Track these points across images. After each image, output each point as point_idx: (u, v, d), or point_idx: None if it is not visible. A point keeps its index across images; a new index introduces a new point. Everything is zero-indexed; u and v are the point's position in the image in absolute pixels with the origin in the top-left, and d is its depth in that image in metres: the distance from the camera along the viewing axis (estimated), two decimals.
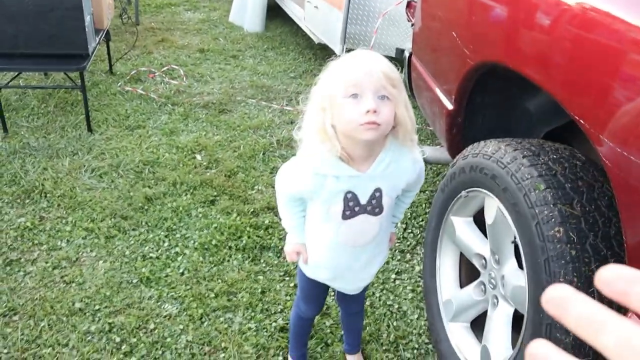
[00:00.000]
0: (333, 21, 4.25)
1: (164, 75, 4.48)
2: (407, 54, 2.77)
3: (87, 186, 2.93)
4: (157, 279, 2.31)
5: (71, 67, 3.40)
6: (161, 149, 3.35)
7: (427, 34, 2.47)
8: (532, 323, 1.42)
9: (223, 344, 2.01)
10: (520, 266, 1.52)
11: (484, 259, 1.76)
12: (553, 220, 1.36)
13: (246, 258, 2.46)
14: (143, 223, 2.66)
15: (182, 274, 2.35)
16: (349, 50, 1.38)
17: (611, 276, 0.33)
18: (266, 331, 2.08)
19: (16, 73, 3.63)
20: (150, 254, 2.45)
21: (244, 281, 2.31)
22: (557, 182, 1.42)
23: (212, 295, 2.23)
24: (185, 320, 2.11)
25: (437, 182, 3.13)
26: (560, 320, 0.33)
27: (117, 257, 2.43)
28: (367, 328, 2.12)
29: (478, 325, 1.83)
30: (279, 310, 2.18)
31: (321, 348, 2.02)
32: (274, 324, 2.11)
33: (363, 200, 1.42)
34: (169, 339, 2.02)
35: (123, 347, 1.98)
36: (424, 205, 2.91)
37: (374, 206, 1.43)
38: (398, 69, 1.33)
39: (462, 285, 1.95)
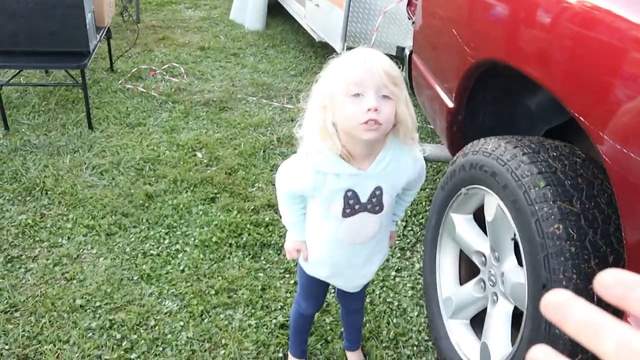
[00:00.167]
0: (334, 19, 4.25)
1: (164, 73, 4.49)
2: (407, 52, 2.77)
3: (88, 183, 2.93)
4: (157, 276, 2.31)
5: (72, 65, 3.40)
6: (162, 146, 3.35)
7: (428, 32, 2.48)
8: (531, 320, 1.43)
9: (223, 341, 2.02)
10: (520, 263, 1.52)
11: (484, 256, 1.76)
12: (553, 217, 1.36)
13: (246, 255, 2.46)
14: (144, 220, 2.66)
15: (183, 271, 2.35)
16: (349, 49, 1.38)
17: (610, 280, 0.33)
18: (266, 328, 2.08)
19: (17, 70, 3.64)
20: (151, 251, 2.46)
21: (244, 278, 2.32)
22: (556, 179, 1.42)
23: (213, 292, 2.23)
24: (185, 317, 2.11)
25: (438, 179, 3.14)
26: (559, 325, 0.34)
27: (117, 254, 2.44)
28: (367, 325, 2.12)
29: (478, 322, 1.84)
30: (279, 307, 2.18)
31: (321, 345, 2.03)
32: (274, 321, 2.11)
33: (363, 198, 1.42)
34: (169, 336, 2.03)
35: (124, 343, 1.99)
36: (424, 203, 2.91)
37: (374, 204, 1.44)
38: (399, 67, 1.33)
39: (461, 283, 1.96)
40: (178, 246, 2.50)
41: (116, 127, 3.56)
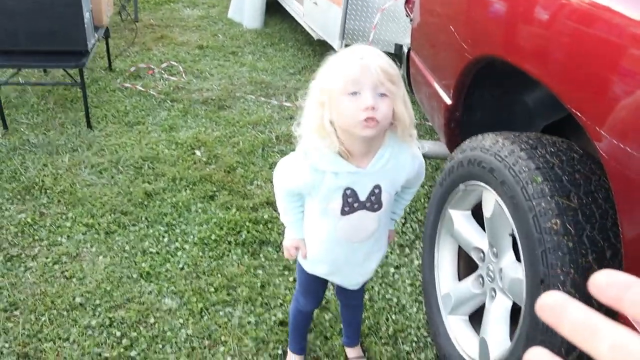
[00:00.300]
0: (332, 17, 4.25)
1: (163, 72, 4.49)
2: (405, 50, 2.77)
3: (87, 182, 2.94)
4: (157, 274, 2.32)
5: (70, 64, 3.40)
6: (161, 145, 3.36)
7: (426, 29, 2.48)
8: (529, 315, 1.43)
9: (223, 338, 2.02)
10: (518, 259, 1.53)
11: (482, 252, 1.76)
12: (550, 212, 1.37)
13: (245, 252, 2.47)
14: (143, 218, 2.67)
15: (182, 268, 2.36)
16: (347, 47, 1.38)
17: (604, 281, 0.33)
18: (266, 325, 2.09)
19: (16, 70, 3.64)
20: (150, 249, 2.46)
21: (244, 275, 2.32)
22: (554, 174, 1.43)
23: (212, 289, 2.24)
24: (185, 315, 2.12)
25: (437, 176, 3.14)
26: (554, 327, 0.33)
27: (117, 253, 2.44)
28: (366, 321, 2.13)
29: (477, 318, 1.84)
30: (279, 304, 2.19)
31: (320, 341, 2.03)
32: (273, 318, 2.12)
33: (362, 196, 1.42)
34: (169, 333, 2.03)
35: (123, 341, 1.99)
36: (422, 200, 2.92)
37: (373, 202, 1.44)
38: (397, 65, 1.33)
39: (460, 279, 1.96)
40: (177, 244, 2.51)
41: (115, 126, 3.57)
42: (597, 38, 1.29)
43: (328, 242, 1.52)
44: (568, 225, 1.35)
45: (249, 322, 2.10)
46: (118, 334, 2.02)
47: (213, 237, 2.54)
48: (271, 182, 1.65)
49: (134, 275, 2.31)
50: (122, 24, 5.64)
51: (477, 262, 1.79)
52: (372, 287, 2.30)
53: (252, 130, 3.60)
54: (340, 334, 2.04)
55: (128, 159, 3.17)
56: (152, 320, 2.09)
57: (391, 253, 2.51)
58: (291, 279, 2.31)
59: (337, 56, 1.34)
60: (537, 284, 1.39)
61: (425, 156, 1.62)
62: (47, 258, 2.38)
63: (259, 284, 2.28)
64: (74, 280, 2.27)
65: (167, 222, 2.64)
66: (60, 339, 1.99)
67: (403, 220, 2.75)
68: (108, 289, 2.23)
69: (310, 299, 1.78)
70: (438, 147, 2.54)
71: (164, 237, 2.55)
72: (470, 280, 1.83)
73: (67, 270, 2.32)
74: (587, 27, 1.32)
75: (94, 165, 3.10)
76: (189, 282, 2.28)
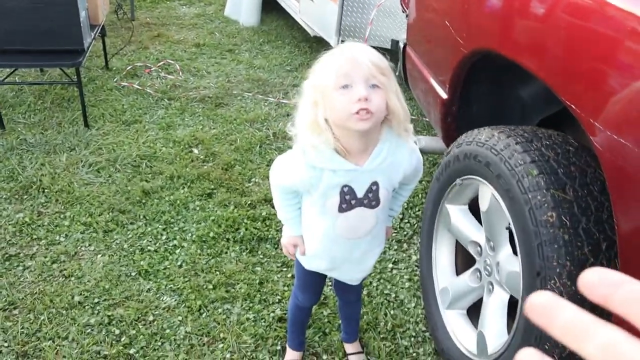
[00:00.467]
0: (328, 13, 4.25)
1: (160, 70, 4.48)
2: (401, 45, 2.77)
3: (85, 181, 2.94)
4: (155, 272, 2.32)
5: (67, 63, 3.40)
6: (158, 143, 3.36)
7: (421, 24, 2.48)
8: None
9: (222, 335, 2.03)
10: (515, 252, 1.53)
11: (479, 246, 1.77)
12: (546, 205, 1.37)
13: (244, 250, 2.47)
14: (141, 217, 2.67)
15: (180, 266, 2.36)
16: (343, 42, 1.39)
17: (594, 279, 0.32)
18: (264, 321, 2.09)
19: (12, 69, 3.63)
20: (149, 247, 2.47)
21: (242, 272, 2.32)
22: (550, 167, 1.43)
23: (210, 286, 2.24)
24: (183, 312, 2.12)
25: (434, 172, 3.14)
26: (544, 328, 0.33)
27: (115, 251, 2.44)
28: (365, 317, 2.13)
29: (475, 312, 1.85)
30: (277, 300, 2.19)
31: (319, 337, 2.04)
32: (272, 314, 2.12)
33: (360, 193, 1.42)
34: (168, 330, 2.04)
35: (122, 338, 2.00)
36: (420, 196, 2.92)
37: (371, 199, 1.44)
38: (387, 59, 1.33)
39: (458, 273, 1.97)
40: (175, 242, 2.51)
41: (112, 125, 3.57)
42: (592, 31, 1.29)
43: (326, 239, 1.52)
44: (564, 218, 1.35)
45: (247, 319, 2.10)
46: (117, 332, 2.03)
47: (211, 234, 2.54)
48: (269, 179, 1.65)
49: (133, 274, 2.31)
50: (119, 22, 5.62)
51: (475, 256, 1.80)
52: (371, 282, 2.31)
53: (250, 128, 3.60)
54: (338, 330, 2.04)
55: (125, 157, 3.17)
56: (150, 317, 2.09)
57: (389, 249, 2.51)
58: (289, 275, 2.32)
59: (327, 54, 1.35)
60: (534, 277, 1.39)
61: (422, 151, 1.62)
62: (45, 257, 2.38)
63: (257, 281, 2.28)
64: (73, 279, 2.27)
65: (165, 220, 2.64)
66: (59, 337, 2.00)
67: (401, 216, 2.75)
68: (107, 287, 2.23)
69: (309, 294, 1.79)
70: (435, 142, 2.54)
71: (162, 235, 2.55)
72: (467, 274, 1.83)
73: (65, 269, 2.32)
74: (582, 21, 1.32)
75: (91, 164, 3.10)
76: (188, 279, 2.28)
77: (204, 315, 2.11)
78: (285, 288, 2.25)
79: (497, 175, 1.53)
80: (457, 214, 1.88)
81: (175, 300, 2.18)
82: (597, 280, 0.32)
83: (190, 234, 2.56)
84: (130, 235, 2.55)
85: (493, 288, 1.69)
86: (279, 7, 5.87)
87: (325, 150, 1.35)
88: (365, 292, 2.24)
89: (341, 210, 1.44)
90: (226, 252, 2.45)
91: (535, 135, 1.55)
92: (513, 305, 1.60)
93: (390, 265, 2.42)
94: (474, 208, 1.83)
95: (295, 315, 1.86)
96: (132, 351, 1.95)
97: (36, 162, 3.08)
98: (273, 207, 2.67)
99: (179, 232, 2.57)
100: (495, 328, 1.66)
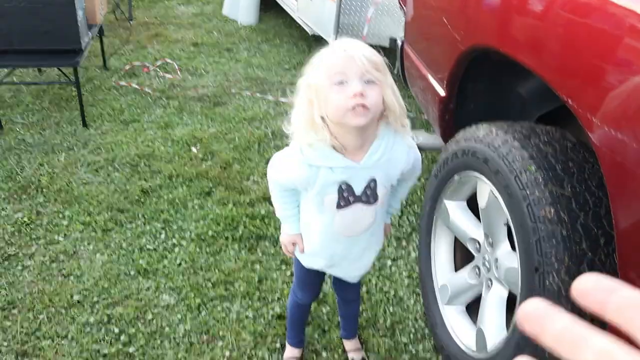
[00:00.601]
0: (326, 12, 4.25)
1: (158, 70, 4.48)
2: (399, 43, 2.77)
3: (83, 180, 2.94)
4: (154, 271, 2.32)
5: (64, 63, 3.40)
6: (156, 142, 3.36)
7: (419, 22, 2.48)
8: None
9: (221, 333, 2.03)
10: (514, 248, 1.53)
11: (478, 242, 1.77)
12: (544, 201, 1.37)
13: (243, 248, 2.47)
14: (139, 216, 2.67)
15: (179, 264, 2.36)
16: None
17: (587, 286, 0.32)
18: (264, 319, 2.09)
19: (10, 69, 3.63)
20: (147, 246, 2.47)
21: (241, 270, 2.32)
22: (548, 163, 1.43)
23: (210, 285, 2.24)
24: (183, 310, 2.12)
25: (432, 169, 3.14)
26: (536, 338, 0.32)
27: (114, 250, 2.44)
28: (364, 314, 2.13)
29: (474, 308, 1.85)
30: (276, 298, 2.19)
31: (318, 334, 2.04)
32: (271, 312, 2.12)
33: (358, 190, 1.42)
34: (167, 329, 2.04)
35: (122, 337, 1.99)
36: (419, 193, 2.92)
37: (369, 196, 1.44)
38: (381, 54, 1.33)
39: (456, 270, 1.97)
40: (174, 240, 2.51)
41: (110, 124, 3.56)
42: (590, 27, 1.29)
43: (325, 236, 1.52)
44: (562, 214, 1.35)
45: (246, 317, 2.10)
46: (116, 330, 2.03)
47: (210, 233, 2.54)
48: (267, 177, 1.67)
49: (132, 272, 2.31)
50: (117, 22, 5.62)
51: (473, 252, 1.80)
52: (370, 280, 2.31)
53: (248, 126, 3.60)
54: (338, 327, 2.04)
55: (124, 156, 3.17)
56: (150, 316, 2.09)
57: (388, 246, 2.52)
58: (288, 273, 2.32)
59: (321, 52, 1.35)
60: (532, 273, 1.39)
61: (420, 148, 1.62)
62: (44, 257, 2.38)
63: (256, 279, 2.28)
64: (72, 278, 2.27)
65: (164, 219, 2.64)
66: (58, 336, 2.00)
67: (400, 213, 2.75)
68: (106, 286, 2.23)
69: (308, 292, 1.79)
70: (433, 139, 2.54)
71: (161, 233, 2.55)
72: (466, 270, 1.83)
73: (64, 269, 2.32)
74: (580, 17, 1.33)
75: (90, 163, 3.10)
76: (187, 278, 2.28)
77: (203, 314, 2.11)
78: (284, 286, 2.25)
79: (496, 171, 1.53)
80: (455, 210, 1.88)
81: (175, 298, 2.18)
82: (590, 287, 0.32)
83: (189, 233, 2.56)
84: (129, 234, 2.54)
85: (492, 284, 1.69)
86: (277, 5, 5.87)
87: (323, 148, 1.35)
88: (364, 289, 2.24)
89: (339, 207, 1.44)
90: (225, 251, 2.45)
91: (533, 131, 1.55)
92: (512, 302, 1.60)
93: (390, 262, 2.42)
94: (472, 204, 1.84)
95: (295, 313, 1.87)
96: (131, 350, 1.95)
97: (34, 162, 3.08)
98: (272, 205, 2.66)
99: (177, 231, 2.57)
100: (494, 324, 1.66)
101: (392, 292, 2.26)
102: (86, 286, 2.22)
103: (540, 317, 0.32)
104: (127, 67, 4.46)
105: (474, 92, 2.06)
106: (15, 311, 2.11)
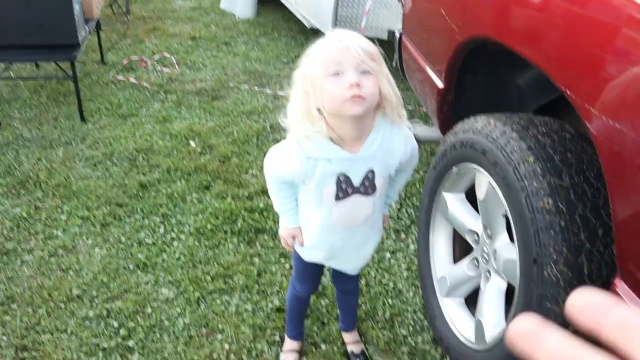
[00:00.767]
0: (324, 4, 4.23)
1: (156, 64, 4.47)
2: (398, 35, 2.76)
3: (82, 175, 2.93)
4: (153, 264, 2.32)
5: (62, 57, 3.39)
6: (155, 136, 3.35)
7: (417, 14, 2.47)
8: (523, 295, 1.44)
9: (220, 326, 2.03)
10: (512, 240, 1.53)
11: (477, 234, 1.77)
12: (542, 192, 1.37)
13: (241, 241, 2.47)
14: (138, 210, 2.66)
15: (178, 258, 2.36)
16: None
17: (581, 304, 0.31)
18: (263, 312, 2.10)
19: (7, 65, 3.62)
20: (146, 240, 2.47)
21: (240, 264, 2.32)
22: (546, 154, 1.43)
23: (209, 278, 2.24)
24: (182, 304, 2.12)
25: (431, 161, 3.14)
26: (531, 357, 0.31)
27: (113, 244, 2.44)
28: (363, 306, 2.13)
29: (473, 300, 1.85)
30: (275, 291, 2.20)
31: (317, 327, 2.04)
32: (270, 305, 2.12)
33: (356, 181, 1.42)
34: (166, 322, 2.04)
35: (121, 331, 2.00)
36: (417, 185, 2.92)
37: (367, 187, 1.44)
38: (376, 45, 1.33)
39: (455, 261, 1.97)
40: (173, 234, 2.51)
41: (108, 119, 3.56)
42: (588, 17, 1.28)
43: (323, 228, 1.52)
44: (560, 205, 1.35)
45: (246, 310, 2.10)
46: (115, 324, 2.03)
47: (209, 226, 2.54)
48: None
49: (131, 266, 2.31)
50: (114, 16, 5.60)
51: (472, 244, 1.80)
52: (369, 272, 2.31)
53: (247, 120, 3.60)
54: (337, 320, 2.05)
55: (122, 151, 3.17)
56: (149, 310, 2.09)
57: (387, 238, 2.52)
58: (287, 266, 2.32)
59: (317, 43, 1.34)
60: (531, 264, 1.39)
61: (418, 140, 1.62)
62: (43, 251, 2.38)
63: (255, 272, 2.28)
64: (71, 272, 2.27)
65: (163, 213, 2.64)
66: (58, 330, 2.00)
67: (398, 206, 2.75)
68: (105, 280, 2.23)
69: (307, 284, 1.79)
70: (431, 131, 2.54)
71: (159, 227, 2.55)
72: (465, 262, 1.83)
73: (63, 263, 2.32)
74: (578, 7, 1.32)
75: (88, 158, 3.09)
76: (186, 271, 2.28)
77: (202, 307, 2.11)
78: (283, 279, 2.25)
79: (494, 162, 1.53)
80: (454, 202, 1.88)
81: (174, 292, 2.18)
82: (584, 305, 0.31)
83: (187, 227, 2.55)
84: (128, 228, 2.54)
85: (490, 276, 1.69)
86: None
87: (320, 140, 1.35)
88: (363, 281, 2.25)
89: (338, 198, 1.44)
90: (224, 244, 2.45)
91: (532, 122, 1.55)
92: (510, 293, 1.60)
93: (388, 255, 2.42)
94: (471, 196, 1.83)
95: (294, 306, 1.87)
96: (130, 343, 1.95)
97: (32, 157, 3.08)
98: (270, 199, 2.67)
99: (176, 225, 2.57)
100: (493, 316, 1.66)
101: (391, 285, 2.26)
102: (85, 280, 2.23)
103: (532, 335, 0.31)
104: (125, 61, 4.45)
105: (472, 83, 2.06)
106: (14, 306, 2.11)
